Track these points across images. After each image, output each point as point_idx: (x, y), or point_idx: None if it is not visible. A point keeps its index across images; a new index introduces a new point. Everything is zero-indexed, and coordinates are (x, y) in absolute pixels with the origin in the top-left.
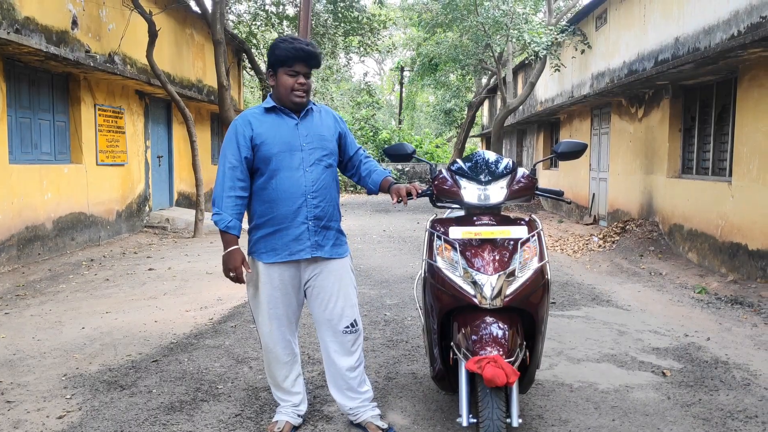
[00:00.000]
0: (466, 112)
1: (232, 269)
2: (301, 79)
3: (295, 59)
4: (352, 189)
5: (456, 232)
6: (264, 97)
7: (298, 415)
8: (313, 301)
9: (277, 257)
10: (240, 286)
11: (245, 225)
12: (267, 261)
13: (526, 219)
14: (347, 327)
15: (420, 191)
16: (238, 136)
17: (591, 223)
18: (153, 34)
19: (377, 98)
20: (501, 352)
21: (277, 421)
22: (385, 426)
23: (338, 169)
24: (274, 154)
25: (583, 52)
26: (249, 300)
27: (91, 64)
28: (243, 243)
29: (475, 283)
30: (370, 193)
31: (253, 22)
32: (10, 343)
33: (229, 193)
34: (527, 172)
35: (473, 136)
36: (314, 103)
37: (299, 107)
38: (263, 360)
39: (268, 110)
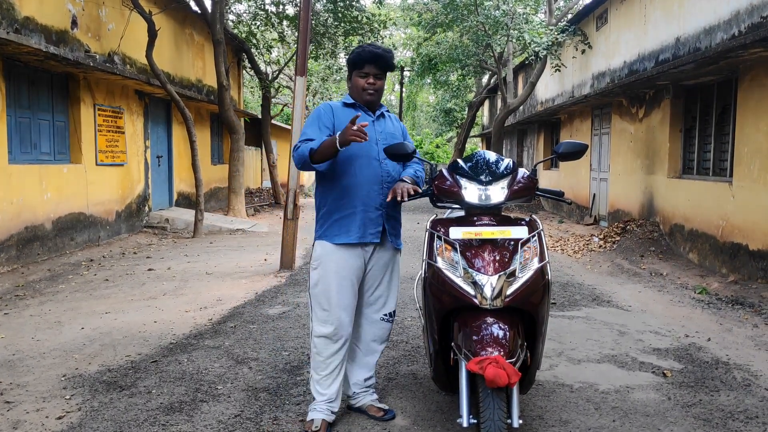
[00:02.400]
0: (466, 112)
1: (351, 134)
2: (371, 79)
3: (364, 61)
4: None
5: (456, 233)
6: (264, 98)
7: (332, 412)
8: (365, 285)
9: (349, 238)
10: (241, 286)
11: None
12: (339, 242)
13: (527, 219)
14: (386, 315)
15: (414, 192)
16: (321, 118)
17: (591, 224)
18: (152, 34)
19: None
20: (502, 353)
21: (312, 420)
22: (386, 407)
23: None
24: (354, 143)
25: (583, 52)
26: (309, 287)
27: (91, 64)
28: (238, 243)
29: (475, 284)
30: None
31: (253, 22)
32: (9, 343)
33: (311, 143)
34: (528, 173)
35: (473, 136)
36: (386, 109)
37: (371, 106)
38: (312, 349)
39: (347, 105)
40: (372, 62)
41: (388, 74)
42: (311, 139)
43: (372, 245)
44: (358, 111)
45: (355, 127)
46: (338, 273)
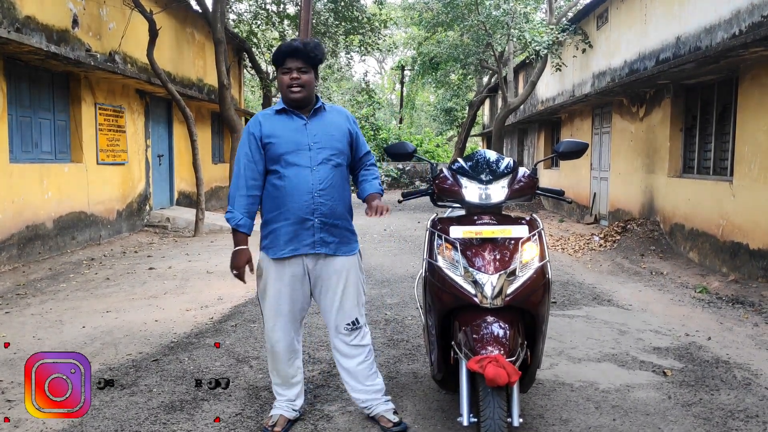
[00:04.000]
0: (466, 112)
1: (236, 267)
2: (294, 74)
3: (284, 56)
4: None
5: (457, 232)
6: (264, 97)
7: (293, 410)
8: (318, 297)
9: (281, 252)
10: (242, 285)
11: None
12: (272, 256)
13: (527, 218)
14: (348, 325)
15: (388, 212)
16: (249, 137)
17: (592, 223)
18: (153, 33)
19: (377, 97)
20: (502, 352)
21: (271, 415)
22: (397, 420)
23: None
24: (282, 153)
25: (584, 51)
26: (258, 294)
27: (92, 63)
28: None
29: (475, 283)
30: (357, 196)
31: (254, 21)
32: (10, 341)
33: (241, 192)
34: (528, 172)
35: (474, 136)
36: (325, 103)
37: (300, 104)
38: (266, 354)
39: (278, 111)
40: (291, 56)
41: (389, 73)
42: (246, 165)
43: (312, 256)
44: (290, 117)
45: (235, 273)
46: (278, 280)
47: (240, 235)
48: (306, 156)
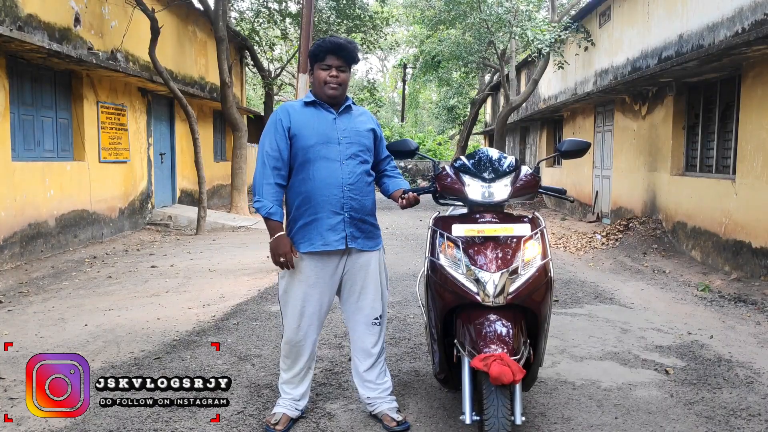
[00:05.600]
0: (469, 110)
1: (282, 254)
2: (333, 72)
3: (326, 52)
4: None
5: (459, 230)
6: (267, 95)
7: (297, 409)
8: (345, 292)
9: (311, 247)
10: (243, 283)
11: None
12: (303, 250)
13: (529, 216)
14: (376, 319)
15: (417, 202)
16: (276, 126)
17: (594, 221)
18: (155, 31)
19: (379, 96)
20: (506, 350)
21: (275, 413)
22: (400, 419)
23: None
24: (311, 145)
25: (586, 49)
26: (279, 294)
27: (94, 62)
28: (241, 240)
29: (477, 281)
30: (383, 193)
31: (256, 19)
32: (13, 339)
33: (268, 181)
34: (530, 170)
35: (476, 134)
36: (354, 102)
37: (335, 101)
38: (281, 351)
39: (307, 104)
40: (334, 53)
41: (391, 71)
42: (270, 154)
43: (341, 252)
44: (319, 110)
45: (282, 260)
46: (305, 281)
47: (274, 222)
48: (335, 150)
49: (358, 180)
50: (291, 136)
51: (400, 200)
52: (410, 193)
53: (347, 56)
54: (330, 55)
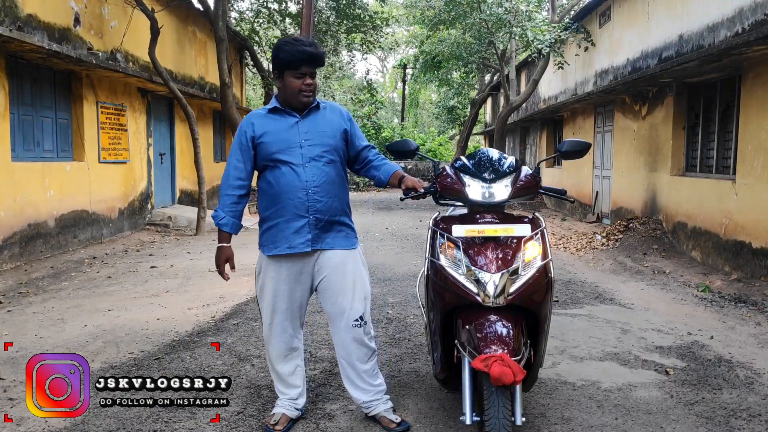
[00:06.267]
0: (469, 110)
1: (218, 265)
2: (308, 80)
3: (300, 62)
4: (354, 187)
5: (459, 230)
6: (266, 95)
7: (296, 408)
8: (322, 295)
9: (276, 250)
10: (243, 283)
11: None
12: (268, 253)
13: (530, 217)
14: (356, 321)
15: (423, 188)
16: (241, 137)
17: (594, 221)
18: (155, 32)
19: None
20: (506, 351)
21: (274, 414)
22: (399, 419)
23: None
24: (273, 151)
25: (586, 49)
26: (257, 293)
27: (94, 62)
28: (241, 240)
29: (478, 281)
30: (378, 184)
31: (256, 20)
32: (12, 340)
33: (228, 191)
34: (531, 171)
35: (476, 134)
36: (320, 101)
37: (306, 107)
38: (267, 357)
39: (271, 110)
40: (308, 62)
41: (391, 72)
42: (235, 165)
43: (311, 252)
44: (283, 116)
45: (220, 270)
46: (275, 278)
47: (223, 233)
48: (297, 153)
49: (324, 182)
50: (255, 145)
51: (402, 185)
52: (409, 177)
53: (320, 63)
54: (305, 64)
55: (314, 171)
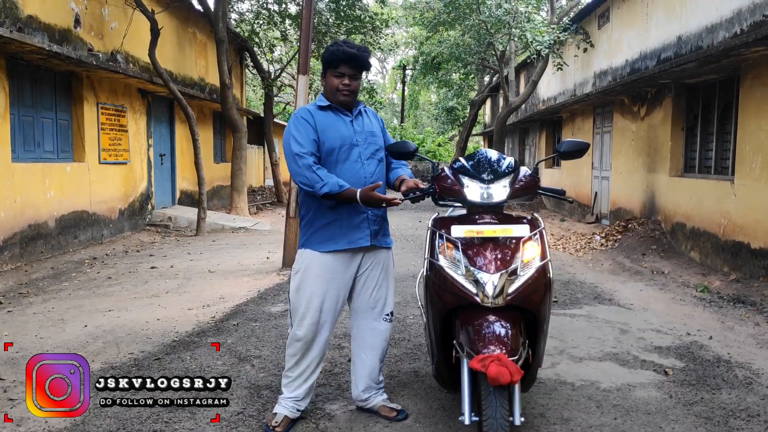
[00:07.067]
0: (468, 111)
1: (384, 200)
2: (346, 80)
3: (339, 61)
4: None
5: (458, 231)
6: (266, 96)
7: (297, 410)
8: (359, 288)
9: (336, 245)
10: (243, 284)
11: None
12: (324, 250)
13: (528, 217)
14: (387, 315)
15: (419, 188)
16: (304, 123)
17: (593, 222)
18: (155, 33)
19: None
20: (504, 351)
21: (276, 414)
22: (398, 407)
23: None
24: (336, 147)
25: (585, 50)
26: (291, 291)
27: (94, 63)
28: (241, 240)
29: (477, 282)
30: (386, 185)
31: (256, 21)
32: (12, 340)
33: (316, 168)
34: (529, 171)
35: (475, 135)
36: (363, 105)
37: (346, 106)
38: (287, 349)
39: (322, 108)
40: (347, 62)
41: (390, 72)
42: (312, 153)
43: (361, 249)
44: (336, 113)
45: (386, 196)
46: (323, 277)
47: (349, 190)
48: (356, 151)
49: (378, 178)
50: (318, 137)
51: (403, 186)
52: (407, 180)
53: (361, 65)
54: (344, 64)
55: (371, 168)
